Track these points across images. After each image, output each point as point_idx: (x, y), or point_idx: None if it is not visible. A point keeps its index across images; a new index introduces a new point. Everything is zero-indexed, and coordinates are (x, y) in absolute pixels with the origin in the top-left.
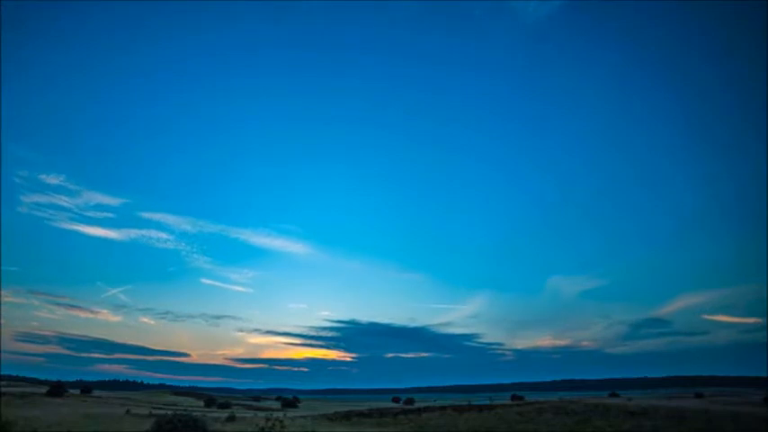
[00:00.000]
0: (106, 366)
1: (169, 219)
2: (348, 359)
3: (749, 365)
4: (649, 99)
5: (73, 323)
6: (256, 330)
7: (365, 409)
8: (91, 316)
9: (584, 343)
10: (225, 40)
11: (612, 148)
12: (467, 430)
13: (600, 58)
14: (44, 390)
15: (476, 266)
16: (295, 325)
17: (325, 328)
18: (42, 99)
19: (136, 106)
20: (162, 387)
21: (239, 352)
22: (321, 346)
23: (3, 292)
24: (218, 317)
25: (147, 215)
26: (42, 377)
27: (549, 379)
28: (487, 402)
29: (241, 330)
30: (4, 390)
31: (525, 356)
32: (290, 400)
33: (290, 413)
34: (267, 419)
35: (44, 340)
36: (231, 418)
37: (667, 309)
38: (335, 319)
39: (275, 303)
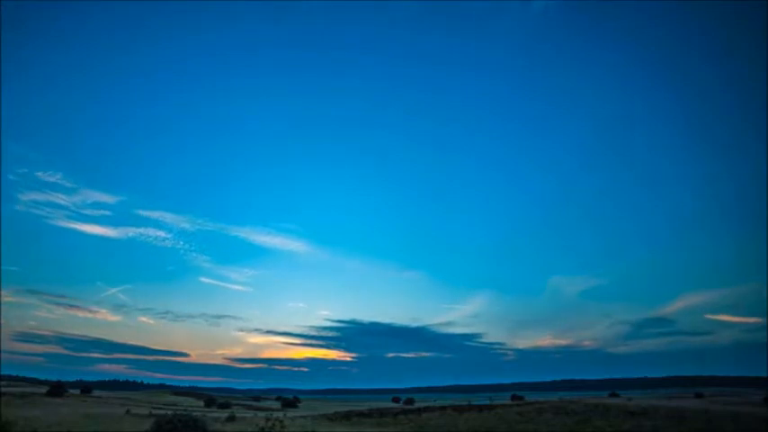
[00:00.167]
0: (106, 366)
1: (167, 217)
2: (348, 359)
3: (750, 365)
4: (649, 99)
5: (72, 323)
6: (256, 330)
7: (365, 409)
8: (90, 315)
9: (586, 343)
10: (225, 40)
11: (612, 148)
12: (467, 430)
13: (600, 58)
14: (44, 390)
15: (476, 266)
16: (295, 324)
17: (325, 328)
18: (42, 98)
19: (135, 106)
20: (162, 387)
21: (239, 352)
22: (321, 346)
23: (2, 292)
24: (218, 316)
25: (144, 213)
26: (42, 377)
27: (549, 379)
28: (487, 402)
29: (241, 330)
30: (3, 390)
31: (526, 356)
32: (290, 400)
33: (290, 413)
34: (267, 419)
35: (43, 340)
36: (231, 418)
37: (669, 308)
38: (336, 318)
39: (275, 303)
